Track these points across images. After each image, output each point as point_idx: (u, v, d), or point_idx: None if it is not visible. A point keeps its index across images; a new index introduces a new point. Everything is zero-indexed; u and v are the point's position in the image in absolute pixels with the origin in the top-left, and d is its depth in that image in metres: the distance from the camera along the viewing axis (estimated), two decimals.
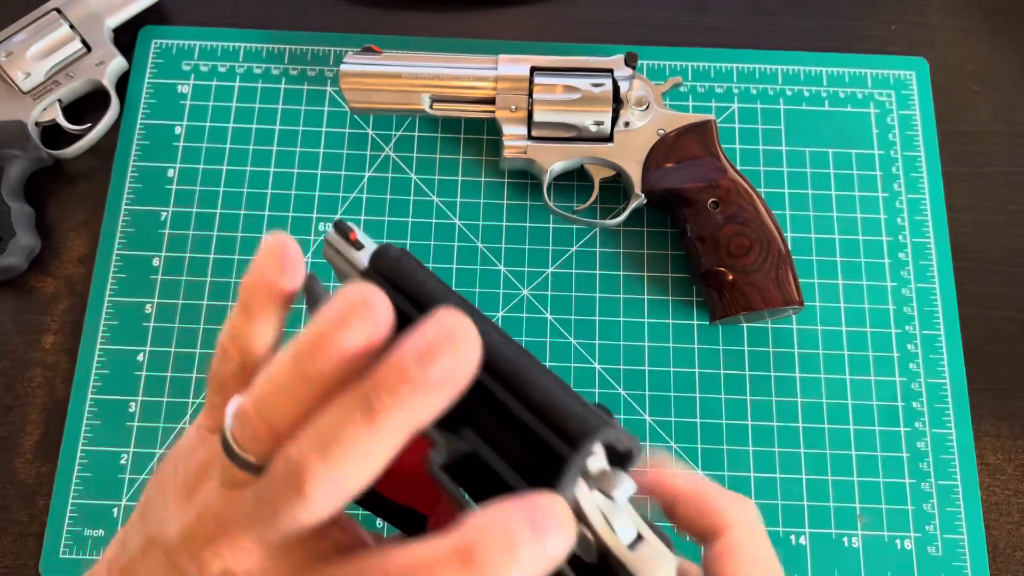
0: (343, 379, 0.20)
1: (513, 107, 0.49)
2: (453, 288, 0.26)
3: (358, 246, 0.26)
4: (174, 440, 0.47)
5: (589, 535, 0.21)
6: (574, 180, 0.53)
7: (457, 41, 0.56)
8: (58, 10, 0.51)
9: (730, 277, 0.47)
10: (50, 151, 0.51)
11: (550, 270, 0.51)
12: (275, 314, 0.23)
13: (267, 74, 0.55)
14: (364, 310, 0.19)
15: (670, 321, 0.50)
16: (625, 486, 0.21)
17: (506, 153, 0.49)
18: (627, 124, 0.49)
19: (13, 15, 0.51)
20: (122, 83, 0.54)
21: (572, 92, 0.48)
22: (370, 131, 0.54)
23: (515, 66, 0.49)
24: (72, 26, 0.51)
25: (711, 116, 0.49)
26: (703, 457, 0.48)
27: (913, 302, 0.51)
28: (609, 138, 0.49)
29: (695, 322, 0.50)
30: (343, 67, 0.49)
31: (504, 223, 0.52)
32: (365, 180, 0.53)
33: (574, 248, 0.52)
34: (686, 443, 0.48)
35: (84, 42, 0.52)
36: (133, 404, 0.48)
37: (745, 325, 0.50)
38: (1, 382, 0.49)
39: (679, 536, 0.25)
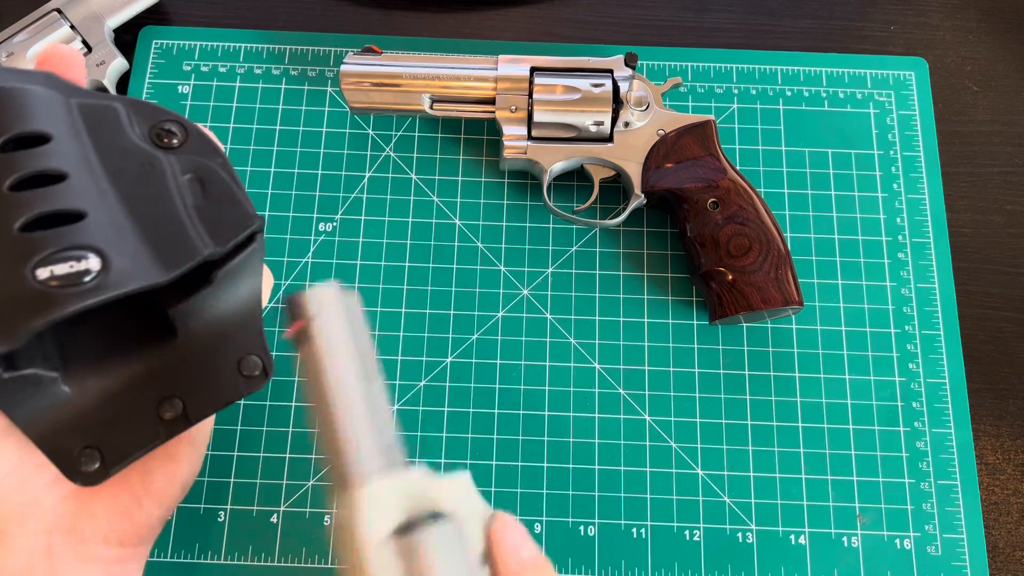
0: None
1: (513, 107, 0.49)
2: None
3: None
4: None
5: None
6: (574, 180, 0.53)
7: (457, 41, 0.56)
8: (59, 10, 0.52)
9: (730, 277, 0.47)
10: None
11: (550, 270, 0.51)
12: None
13: (268, 74, 0.55)
14: None
15: (670, 321, 0.50)
16: None
17: (506, 153, 0.49)
18: (627, 124, 0.49)
19: (13, 15, 0.51)
20: (123, 83, 0.54)
21: (572, 92, 0.48)
22: (370, 131, 0.54)
23: (515, 66, 0.49)
24: (73, 26, 0.52)
25: (711, 116, 0.50)
26: (703, 457, 0.48)
27: (912, 302, 0.51)
28: (609, 138, 0.49)
29: (695, 322, 0.50)
30: (343, 67, 0.49)
31: (504, 223, 0.52)
32: (365, 180, 0.53)
33: (574, 248, 0.52)
34: (686, 443, 0.48)
35: (85, 42, 0.52)
36: None
37: (745, 325, 0.50)
38: None
39: None
